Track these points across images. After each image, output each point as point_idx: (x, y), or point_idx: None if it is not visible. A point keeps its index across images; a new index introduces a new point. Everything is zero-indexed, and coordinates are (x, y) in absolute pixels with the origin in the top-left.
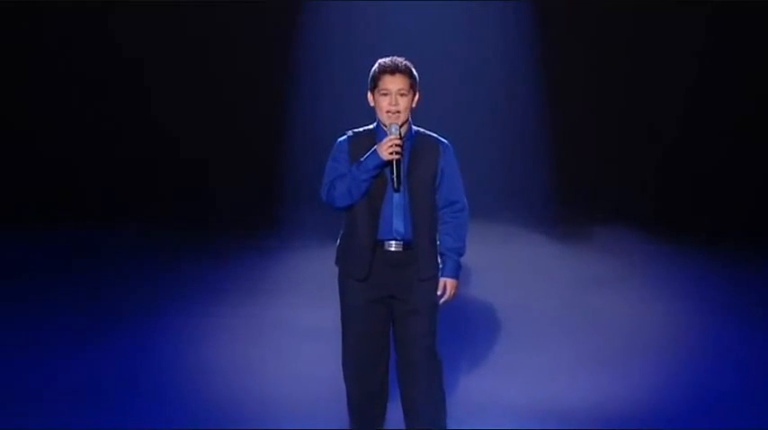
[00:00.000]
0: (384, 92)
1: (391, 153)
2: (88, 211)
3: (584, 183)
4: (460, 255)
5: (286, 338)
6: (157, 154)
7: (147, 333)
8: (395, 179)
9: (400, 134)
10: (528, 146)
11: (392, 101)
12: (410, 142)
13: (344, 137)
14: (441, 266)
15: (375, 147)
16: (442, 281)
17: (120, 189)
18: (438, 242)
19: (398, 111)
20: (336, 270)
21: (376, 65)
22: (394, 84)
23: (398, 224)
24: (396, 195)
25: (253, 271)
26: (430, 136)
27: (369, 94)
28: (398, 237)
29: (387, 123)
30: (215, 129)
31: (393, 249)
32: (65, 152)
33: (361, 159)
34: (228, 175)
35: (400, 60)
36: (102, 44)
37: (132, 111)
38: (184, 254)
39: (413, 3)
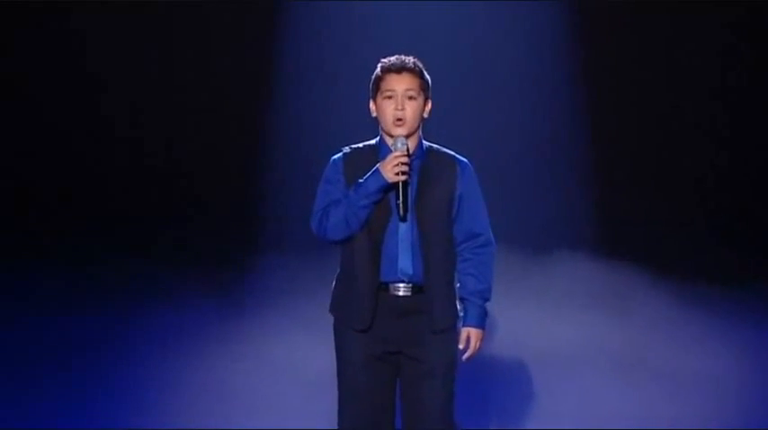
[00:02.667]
0: (388, 93)
1: (397, 173)
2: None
3: (624, 198)
4: (486, 299)
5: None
6: (128, 162)
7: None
8: (400, 205)
9: (408, 150)
10: (561, 161)
11: (398, 104)
12: (420, 160)
13: (340, 154)
14: (461, 314)
15: (378, 165)
16: (464, 331)
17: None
18: (457, 284)
19: (405, 118)
20: (331, 319)
21: (378, 66)
22: (400, 83)
23: (405, 262)
24: (402, 227)
25: (225, 321)
26: (445, 153)
27: (371, 103)
28: (406, 279)
29: (393, 134)
30: (189, 138)
31: (400, 294)
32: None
33: (360, 180)
34: (204, 191)
35: (408, 58)
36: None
37: (107, 113)
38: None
39: (419, 2)
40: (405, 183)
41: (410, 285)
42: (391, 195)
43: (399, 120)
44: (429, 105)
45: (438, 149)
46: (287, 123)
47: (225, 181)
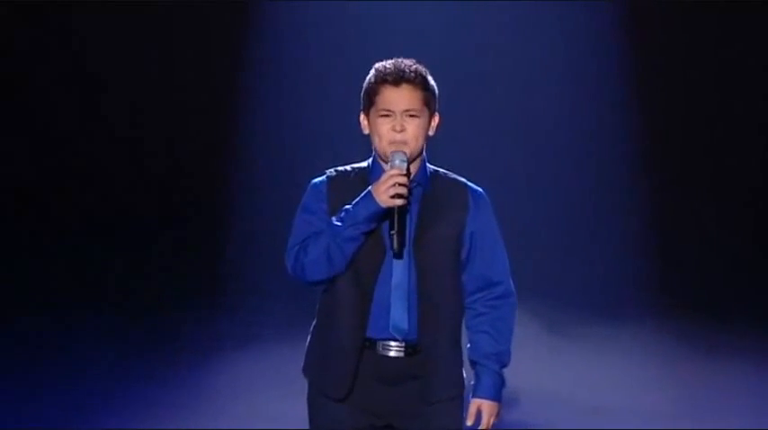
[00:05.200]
0: (384, 112)
1: (393, 196)
2: None
3: (672, 198)
4: (503, 364)
5: None
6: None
7: None
8: (395, 238)
9: (408, 171)
10: (607, 165)
11: (396, 124)
12: (423, 187)
13: (323, 177)
14: (473, 382)
15: (370, 187)
16: (474, 403)
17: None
18: (468, 345)
19: (405, 142)
20: (305, 383)
21: (372, 72)
22: (399, 100)
23: (399, 314)
24: (397, 269)
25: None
26: (454, 180)
27: (362, 117)
28: (398, 336)
29: (388, 154)
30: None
31: (392, 354)
32: None
33: (348, 206)
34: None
35: (408, 64)
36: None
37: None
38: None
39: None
40: (402, 209)
41: (403, 344)
42: (385, 227)
43: (399, 142)
44: (436, 120)
45: (445, 175)
46: (255, 154)
47: (224, 182)
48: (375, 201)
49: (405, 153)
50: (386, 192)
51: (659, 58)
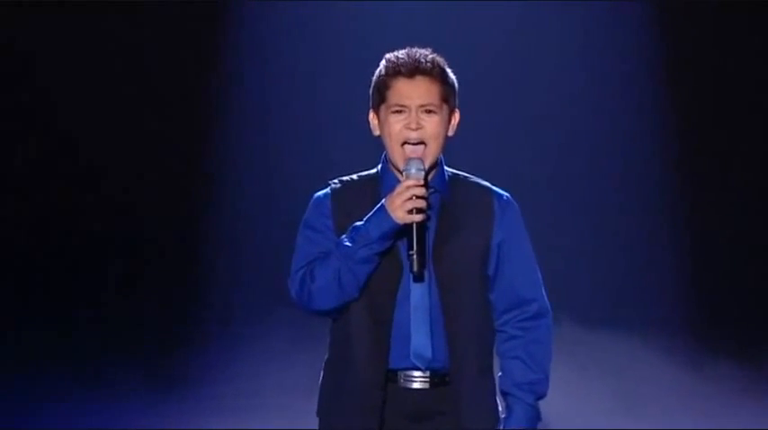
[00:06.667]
0: (397, 108)
1: (411, 210)
2: None
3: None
4: (539, 396)
5: None
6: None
7: None
8: (414, 258)
9: (426, 179)
10: (639, 170)
11: (411, 122)
12: (441, 195)
13: (327, 189)
14: (503, 415)
15: (383, 201)
16: None
17: None
18: (500, 373)
19: (422, 142)
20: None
21: (382, 64)
22: (413, 94)
23: (420, 340)
24: (416, 290)
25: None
26: (476, 184)
27: (371, 115)
28: (422, 365)
29: (401, 161)
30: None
31: (415, 386)
32: None
33: (359, 224)
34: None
35: (424, 54)
36: None
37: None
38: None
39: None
40: (421, 226)
41: (428, 374)
42: (401, 245)
43: (414, 142)
44: (456, 118)
45: (465, 179)
46: (242, 164)
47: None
48: (390, 217)
49: (421, 161)
50: (402, 206)
51: (688, 57)
